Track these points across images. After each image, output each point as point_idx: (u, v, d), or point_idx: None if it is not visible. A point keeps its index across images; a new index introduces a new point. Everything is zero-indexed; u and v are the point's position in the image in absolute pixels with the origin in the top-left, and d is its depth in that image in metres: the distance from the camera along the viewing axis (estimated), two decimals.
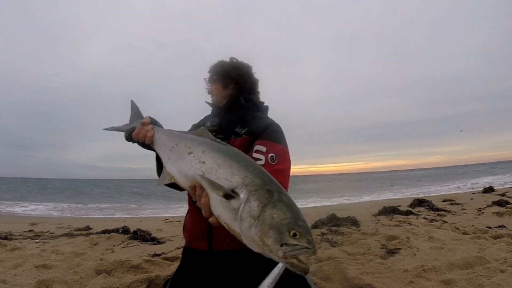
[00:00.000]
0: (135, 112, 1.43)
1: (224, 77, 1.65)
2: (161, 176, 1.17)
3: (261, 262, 1.38)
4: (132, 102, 1.47)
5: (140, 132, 1.27)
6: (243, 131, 1.47)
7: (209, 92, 1.70)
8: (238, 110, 1.57)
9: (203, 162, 1.00)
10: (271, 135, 1.40)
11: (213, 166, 0.97)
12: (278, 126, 1.49)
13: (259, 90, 1.70)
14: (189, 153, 1.07)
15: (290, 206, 0.84)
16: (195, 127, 1.63)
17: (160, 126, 1.35)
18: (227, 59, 1.70)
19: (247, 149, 1.37)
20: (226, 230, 1.38)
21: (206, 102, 1.69)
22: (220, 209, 0.91)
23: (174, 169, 1.12)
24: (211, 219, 0.96)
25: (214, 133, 1.46)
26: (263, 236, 0.79)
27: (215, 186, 0.91)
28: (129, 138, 1.33)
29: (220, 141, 1.11)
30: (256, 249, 0.83)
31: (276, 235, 0.78)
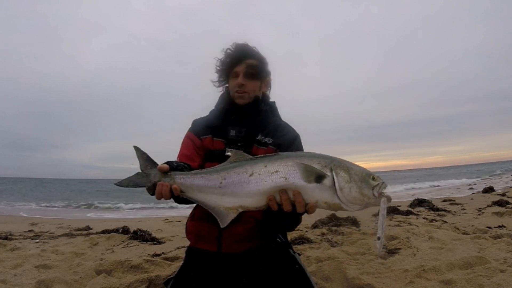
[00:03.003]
0: (145, 159, 1.25)
1: (263, 74, 1.53)
2: (222, 217, 1.14)
3: (263, 264, 1.38)
4: (136, 148, 1.27)
5: (162, 189, 1.14)
6: (267, 140, 1.46)
7: (240, 84, 1.45)
8: (259, 115, 1.50)
9: (277, 171, 1.09)
10: (297, 148, 1.47)
11: (289, 169, 1.08)
12: (299, 137, 1.54)
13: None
14: (251, 175, 1.10)
15: (355, 164, 1.11)
16: (207, 127, 1.53)
17: (179, 167, 1.24)
18: (244, 43, 1.52)
19: None
20: (235, 233, 1.39)
21: (231, 101, 1.50)
22: (317, 194, 1.07)
23: (239, 198, 1.12)
24: (310, 206, 1.08)
25: (238, 143, 1.44)
26: (361, 190, 1.04)
27: (311, 171, 1.06)
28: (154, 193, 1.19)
29: (263, 155, 1.17)
30: (358, 205, 1.06)
31: (367, 184, 1.05)
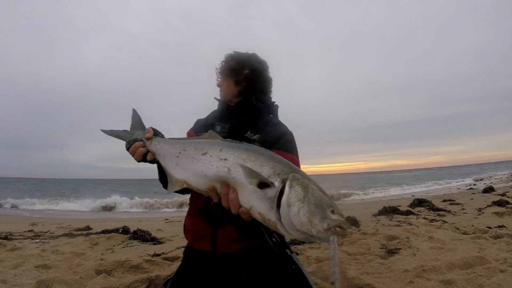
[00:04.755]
0: (137, 121, 1.35)
1: (238, 73, 1.56)
2: (171, 184, 1.13)
3: (260, 264, 1.38)
4: (134, 110, 1.38)
5: (137, 149, 1.22)
6: (255, 137, 1.43)
7: (219, 86, 1.62)
8: (249, 112, 1.51)
9: (225, 159, 0.99)
10: (284, 144, 1.39)
11: (237, 161, 0.97)
12: (291, 134, 1.47)
13: (272, 89, 1.63)
14: (204, 154, 1.05)
15: (320, 188, 0.92)
16: (202, 126, 1.57)
17: (162, 136, 1.29)
18: (244, 51, 1.61)
19: None
20: (230, 232, 1.37)
21: (215, 98, 1.62)
22: (253, 201, 0.93)
23: (187, 173, 1.09)
24: (242, 211, 0.96)
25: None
26: (311, 216, 0.85)
27: (253, 174, 0.92)
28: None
29: (232, 140, 1.08)
30: (300, 231, 0.86)
31: (321, 213, 0.86)
